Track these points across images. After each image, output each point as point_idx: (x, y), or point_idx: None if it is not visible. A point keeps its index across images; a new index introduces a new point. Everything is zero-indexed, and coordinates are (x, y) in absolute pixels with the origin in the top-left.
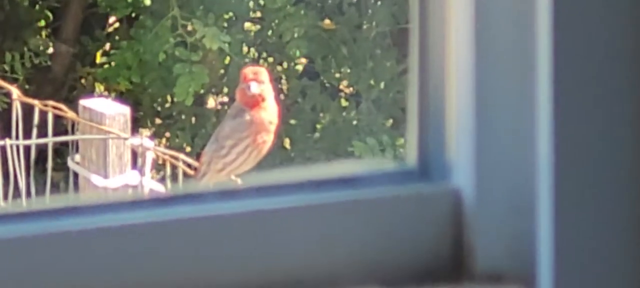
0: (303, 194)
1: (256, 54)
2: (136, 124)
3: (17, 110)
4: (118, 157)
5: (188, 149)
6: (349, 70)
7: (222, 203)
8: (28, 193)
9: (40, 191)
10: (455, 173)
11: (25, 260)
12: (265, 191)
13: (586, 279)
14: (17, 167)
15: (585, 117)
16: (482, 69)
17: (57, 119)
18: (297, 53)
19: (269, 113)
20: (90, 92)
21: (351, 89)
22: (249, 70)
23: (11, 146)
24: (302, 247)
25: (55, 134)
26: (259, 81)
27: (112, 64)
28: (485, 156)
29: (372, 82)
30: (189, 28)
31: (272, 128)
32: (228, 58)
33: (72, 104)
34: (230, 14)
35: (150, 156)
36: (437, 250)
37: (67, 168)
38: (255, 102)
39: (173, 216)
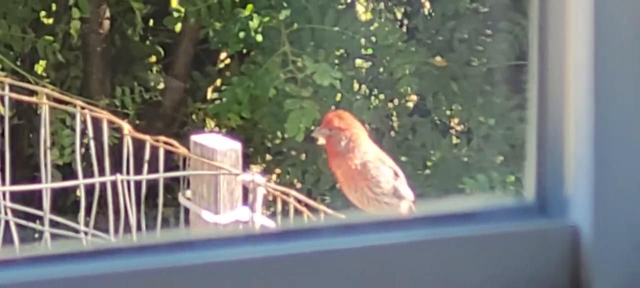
0: (421, 229)
1: (367, 91)
2: (247, 160)
3: (128, 145)
4: (229, 192)
5: (299, 185)
6: (459, 107)
7: (338, 239)
8: (139, 229)
9: (151, 227)
10: (573, 210)
11: None
12: (382, 226)
13: None
14: (128, 202)
15: None
16: (600, 106)
17: (168, 154)
18: (408, 90)
19: (360, 159)
20: (200, 128)
21: (461, 125)
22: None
23: (122, 182)
24: (421, 282)
25: (166, 170)
26: (331, 127)
27: (223, 99)
28: (604, 193)
29: (482, 118)
30: (300, 64)
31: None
32: (339, 95)
33: (183, 139)
34: (341, 50)
35: (261, 192)
36: (555, 285)
37: (177, 204)
38: (335, 152)
39: (287, 251)
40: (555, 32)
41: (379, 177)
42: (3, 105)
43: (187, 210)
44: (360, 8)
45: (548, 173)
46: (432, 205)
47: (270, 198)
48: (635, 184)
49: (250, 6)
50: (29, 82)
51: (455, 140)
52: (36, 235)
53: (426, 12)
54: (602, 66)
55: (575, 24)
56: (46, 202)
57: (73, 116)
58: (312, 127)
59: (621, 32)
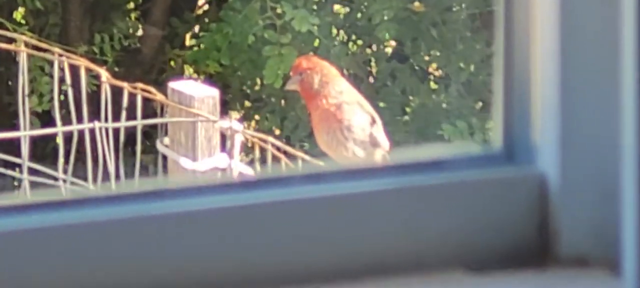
0: (389, 178)
1: (345, 37)
2: (225, 107)
3: (106, 92)
4: (207, 139)
5: (277, 132)
6: (438, 53)
7: (308, 187)
8: (117, 176)
9: (129, 174)
10: (541, 157)
11: (114, 243)
12: (351, 175)
13: None
14: (106, 149)
15: None
16: (567, 52)
17: (146, 101)
18: (387, 36)
19: (335, 101)
20: (179, 75)
21: (440, 71)
22: (295, 63)
23: (100, 129)
24: (387, 231)
25: (144, 117)
26: (300, 71)
27: (201, 46)
28: (571, 140)
29: (461, 64)
30: (278, 10)
31: (339, 115)
32: (317, 41)
33: (162, 86)
34: None
35: (239, 139)
36: (522, 233)
37: (156, 151)
38: (312, 95)
39: (260, 200)
40: None
41: (352, 121)
42: None
43: (165, 157)
44: None
45: (515, 121)
46: (398, 153)
47: (249, 144)
48: (602, 131)
49: None
50: (7, 29)
51: (434, 86)
52: (15, 183)
53: None
54: (569, 10)
55: None
56: (25, 150)
57: (51, 63)
58: (291, 74)
59: None
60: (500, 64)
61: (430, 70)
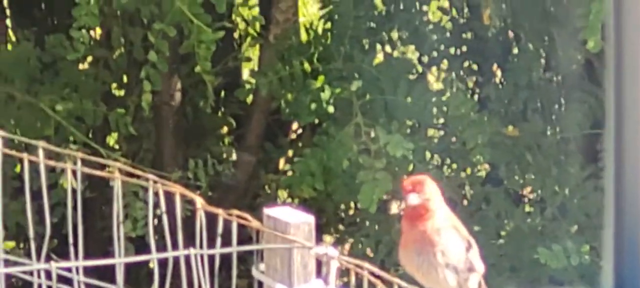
0: None
1: (439, 161)
2: (319, 230)
3: (201, 219)
4: (302, 266)
5: (371, 255)
6: (532, 177)
7: None
8: None
9: None
10: None
11: None
12: None
13: None
14: (201, 275)
15: None
16: None
17: (241, 226)
18: (481, 160)
19: (436, 224)
20: (273, 199)
21: (535, 195)
22: (407, 182)
23: (195, 255)
24: None
25: (239, 242)
26: (419, 191)
27: (296, 171)
28: None
29: (556, 188)
30: (372, 135)
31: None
32: (411, 165)
33: (255, 211)
34: (414, 120)
35: (335, 265)
36: None
37: (251, 276)
38: (417, 214)
39: None
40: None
41: (447, 246)
42: (75, 179)
43: (260, 283)
44: (431, 78)
45: (626, 265)
46: None
47: (344, 268)
48: None
49: (321, 78)
50: (100, 154)
51: (528, 210)
52: None
53: (498, 82)
54: None
55: None
56: (119, 276)
57: (145, 189)
58: (385, 197)
59: None
60: (611, 213)
61: (525, 193)
